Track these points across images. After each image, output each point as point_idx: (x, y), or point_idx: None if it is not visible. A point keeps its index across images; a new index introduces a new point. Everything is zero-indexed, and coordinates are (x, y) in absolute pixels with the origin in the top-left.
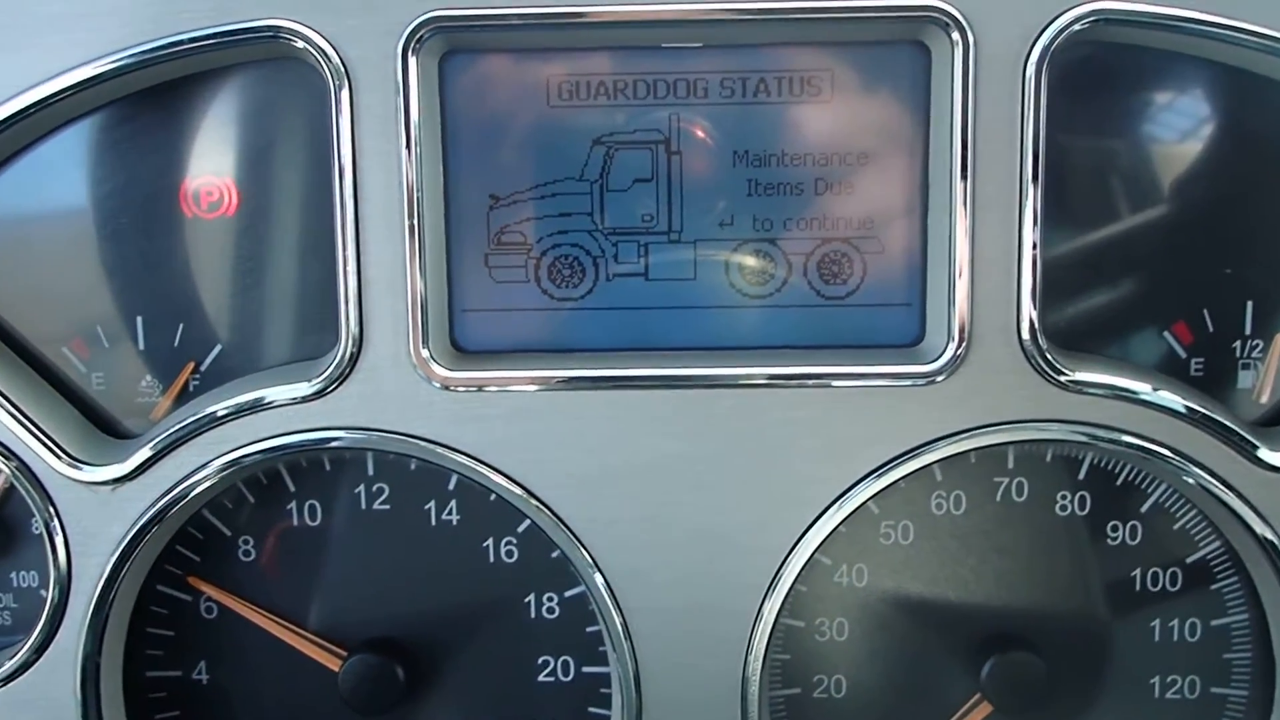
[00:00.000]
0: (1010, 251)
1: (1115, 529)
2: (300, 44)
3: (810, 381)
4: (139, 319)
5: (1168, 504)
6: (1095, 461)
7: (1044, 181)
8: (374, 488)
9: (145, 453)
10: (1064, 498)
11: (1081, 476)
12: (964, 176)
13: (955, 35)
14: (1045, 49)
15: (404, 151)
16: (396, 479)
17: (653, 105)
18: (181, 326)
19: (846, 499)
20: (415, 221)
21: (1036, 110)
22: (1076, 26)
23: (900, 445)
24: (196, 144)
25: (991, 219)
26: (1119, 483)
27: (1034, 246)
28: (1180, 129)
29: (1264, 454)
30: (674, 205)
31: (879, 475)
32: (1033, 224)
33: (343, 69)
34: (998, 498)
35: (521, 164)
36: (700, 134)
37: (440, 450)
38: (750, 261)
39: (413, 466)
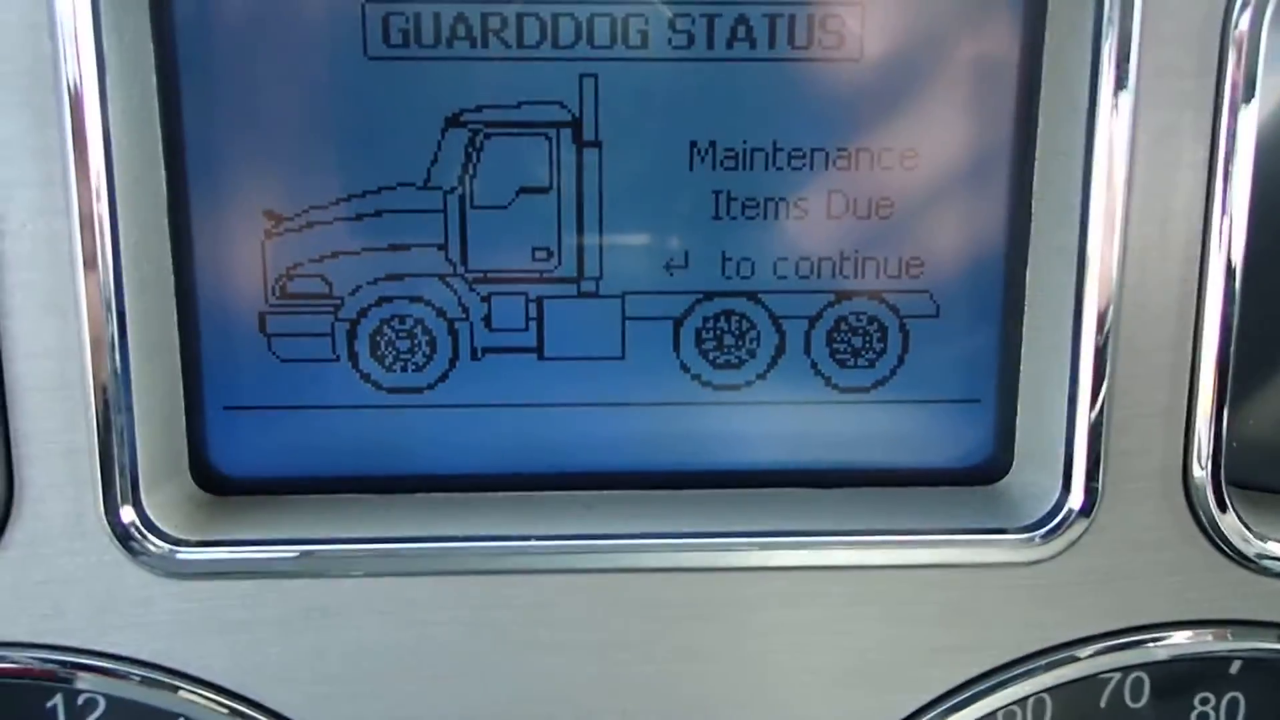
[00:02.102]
0: (1184, 322)
1: None
2: None
3: (817, 558)
4: None
5: None
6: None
7: (1257, 207)
8: (80, 701)
9: None
10: (1205, 703)
11: (1233, 672)
12: (1107, 190)
13: None
14: None
15: (68, 135)
16: (117, 691)
17: (552, 59)
18: None
19: None
20: (103, 262)
21: (1250, 66)
22: None
23: (975, 666)
24: None
25: (1154, 264)
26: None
27: (1229, 312)
28: None
29: None
30: (588, 234)
31: (937, 717)
32: (1226, 278)
33: None
34: (1103, 702)
35: (320, 159)
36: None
37: (168, 680)
38: (718, 329)
39: (138, 679)
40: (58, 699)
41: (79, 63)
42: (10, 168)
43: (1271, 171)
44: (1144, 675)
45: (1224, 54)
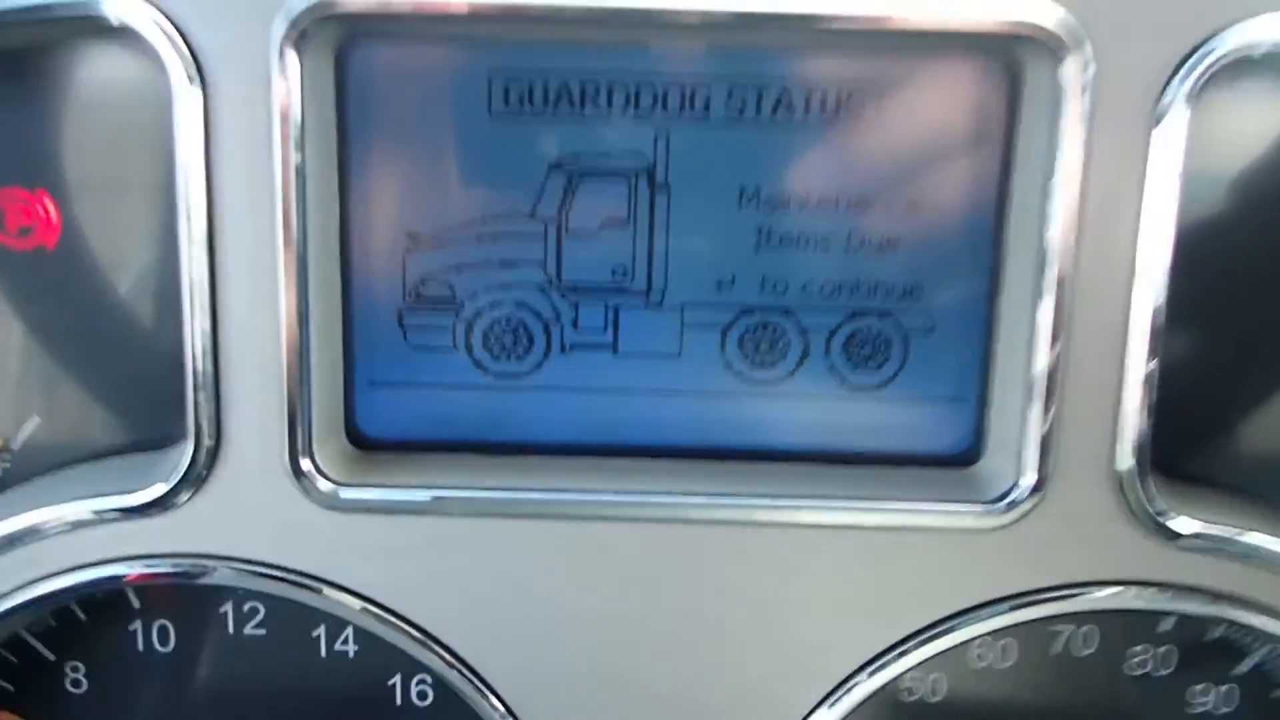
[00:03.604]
0: (1116, 346)
1: (1204, 694)
2: (134, 27)
3: (828, 517)
4: None
5: (1267, 669)
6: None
7: (1170, 252)
8: (245, 607)
9: None
10: (1142, 653)
11: (1167, 628)
12: (1057, 237)
13: (1069, 62)
14: (1191, 85)
15: (278, 176)
16: (275, 596)
17: (633, 120)
18: None
19: (869, 674)
20: (295, 269)
21: (1174, 159)
22: (1230, 58)
23: (946, 607)
24: (9, 152)
25: (1091, 298)
26: (1214, 637)
27: (1152, 341)
28: None
29: None
30: (656, 257)
31: (914, 645)
32: (1154, 312)
33: (194, 62)
34: (1056, 649)
35: (450, 193)
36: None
37: (326, 591)
38: (756, 336)
39: (293, 582)
40: (229, 605)
41: (287, 124)
42: (230, 198)
43: (1192, 232)
44: (1095, 626)
45: (1149, 144)
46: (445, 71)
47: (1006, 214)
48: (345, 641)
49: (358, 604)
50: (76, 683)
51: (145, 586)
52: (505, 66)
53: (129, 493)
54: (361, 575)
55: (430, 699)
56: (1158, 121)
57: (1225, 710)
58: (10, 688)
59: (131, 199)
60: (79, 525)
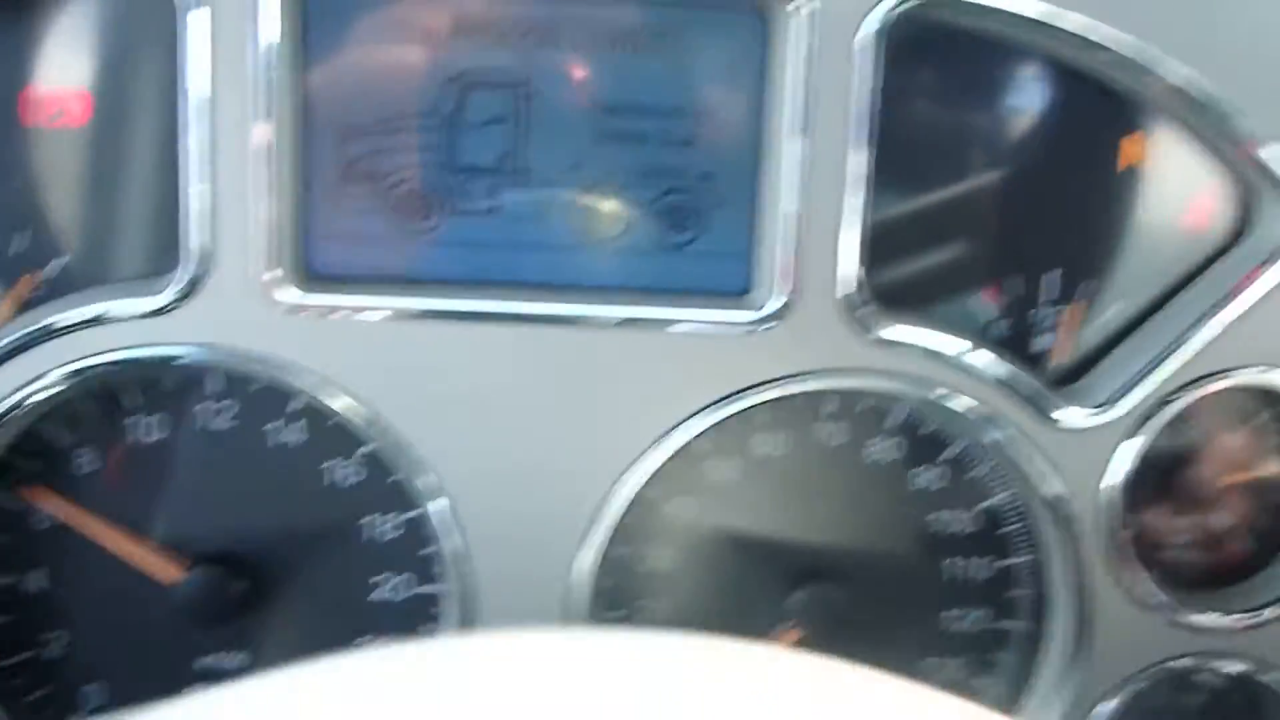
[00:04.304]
0: (835, 213)
1: (917, 475)
2: None
3: (645, 325)
4: None
5: (966, 455)
6: (903, 414)
7: (871, 149)
8: (217, 406)
9: None
10: (873, 445)
11: (890, 426)
12: (794, 137)
13: (790, 6)
14: (879, 26)
15: (259, 76)
16: (240, 398)
17: (513, 49)
18: (19, 236)
19: (669, 438)
20: (269, 151)
21: (867, 81)
22: (906, 7)
23: (722, 389)
24: (42, 51)
25: (819, 181)
26: (924, 433)
27: (857, 210)
28: (1001, 109)
29: (1054, 414)
30: (525, 147)
31: (699, 417)
32: (857, 188)
33: None
34: (814, 442)
35: (378, 96)
36: (575, 75)
37: (286, 371)
38: (596, 206)
39: (254, 389)
40: (202, 405)
41: (266, 74)
42: (224, 101)
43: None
44: (838, 426)
45: (853, 112)
46: (379, 8)
47: (765, 122)
48: (292, 434)
49: (310, 381)
50: (82, 464)
51: (140, 381)
52: (422, 7)
53: (136, 298)
54: (313, 361)
55: (355, 479)
56: (858, 47)
57: (938, 486)
58: (31, 468)
59: (148, 88)
60: (96, 323)
